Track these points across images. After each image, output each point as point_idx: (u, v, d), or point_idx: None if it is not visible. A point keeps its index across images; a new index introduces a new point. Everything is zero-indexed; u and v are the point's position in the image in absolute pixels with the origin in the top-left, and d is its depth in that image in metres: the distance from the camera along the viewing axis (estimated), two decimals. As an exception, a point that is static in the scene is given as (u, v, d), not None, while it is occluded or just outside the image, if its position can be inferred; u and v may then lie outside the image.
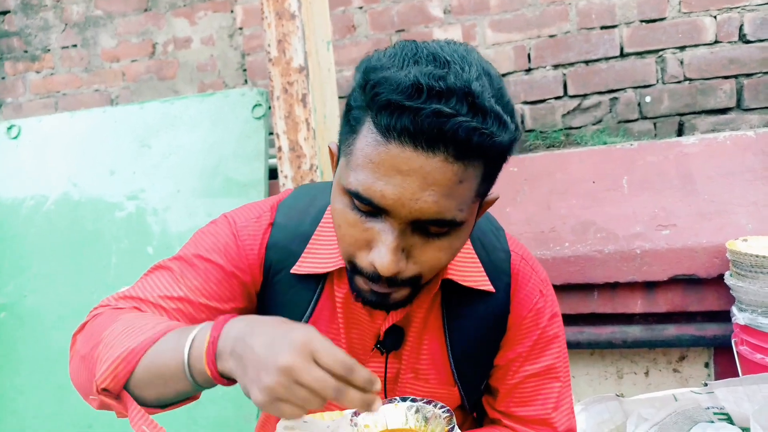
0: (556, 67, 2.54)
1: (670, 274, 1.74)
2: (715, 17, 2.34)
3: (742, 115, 2.37)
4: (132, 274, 2.08)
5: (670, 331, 1.79)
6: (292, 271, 0.87)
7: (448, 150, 0.63)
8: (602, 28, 2.47)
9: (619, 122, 2.50)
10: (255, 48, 2.87)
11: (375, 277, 0.71)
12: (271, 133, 2.04)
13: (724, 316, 1.69)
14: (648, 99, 2.45)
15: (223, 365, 0.63)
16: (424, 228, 0.69)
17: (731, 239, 1.65)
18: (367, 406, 0.59)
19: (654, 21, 2.41)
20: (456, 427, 0.70)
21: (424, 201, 0.65)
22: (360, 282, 0.74)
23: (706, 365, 1.86)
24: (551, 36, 2.52)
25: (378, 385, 0.60)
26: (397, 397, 0.75)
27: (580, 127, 2.54)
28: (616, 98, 2.49)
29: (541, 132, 2.57)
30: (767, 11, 2.29)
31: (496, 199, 0.80)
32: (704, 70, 2.37)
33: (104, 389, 0.70)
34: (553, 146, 2.50)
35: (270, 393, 0.57)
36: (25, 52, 3.26)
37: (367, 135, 0.66)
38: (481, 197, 0.73)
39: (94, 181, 2.22)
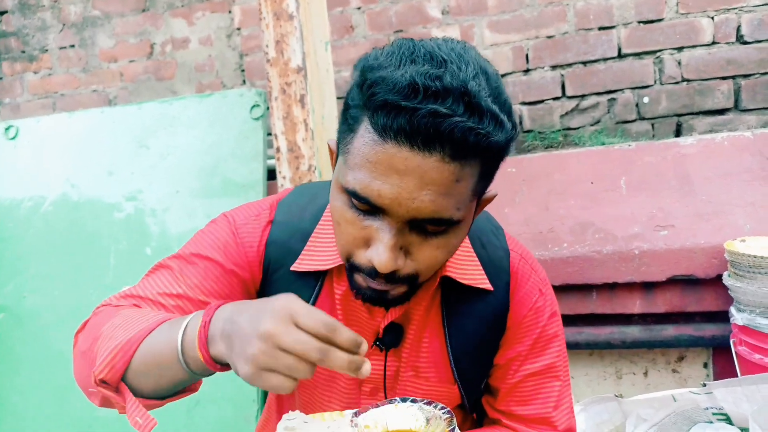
0: (554, 67, 2.54)
1: (668, 274, 1.74)
2: (712, 18, 2.35)
3: (739, 116, 2.37)
4: (131, 274, 2.08)
5: (669, 331, 1.80)
6: (292, 268, 0.87)
7: (445, 150, 0.64)
8: (600, 28, 2.47)
9: (617, 123, 2.50)
10: (253, 48, 2.87)
11: (373, 274, 0.71)
12: (269, 134, 2.04)
13: (723, 317, 1.69)
14: (646, 100, 2.45)
15: (214, 349, 0.63)
16: (421, 226, 0.69)
17: (729, 240, 1.66)
18: (356, 369, 0.59)
19: (652, 22, 2.41)
20: (456, 428, 0.69)
21: (420, 200, 0.65)
22: (359, 279, 0.75)
23: (705, 365, 1.86)
24: (549, 37, 2.53)
25: (365, 347, 0.60)
26: (398, 398, 0.75)
27: (578, 128, 2.55)
28: (614, 99, 2.49)
29: (539, 132, 2.57)
30: (765, 12, 2.29)
31: (494, 196, 0.80)
32: (702, 71, 2.38)
33: (103, 381, 0.71)
34: (552, 147, 2.50)
35: (254, 362, 0.57)
36: (23, 52, 3.25)
37: (365, 134, 0.67)
38: (479, 196, 0.74)
39: (93, 181, 2.22)
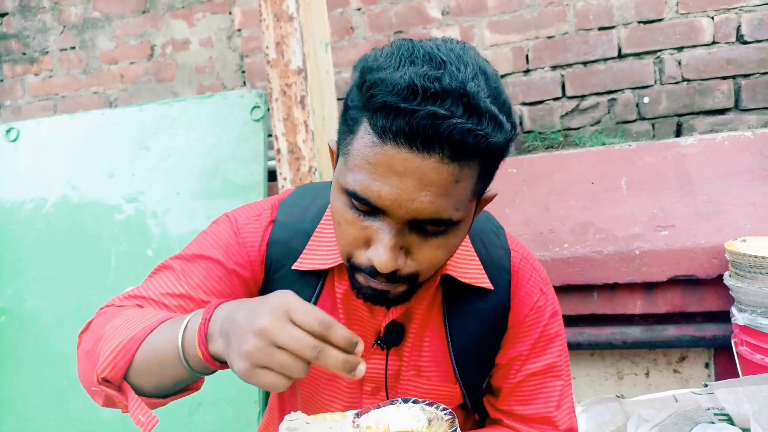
0: (554, 68, 2.54)
1: (669, 274, 1.74)
2: (712, 18, 2.35)
3: (740, 116, 2.37)
4: (131, 276, 2.08)
5: (670, 331, 1.79)
6: (293, 267, 0.88)
7: (444, 151, 0.64)
8: (600, 29, 2.47)
9: (618, 123, 2.50)
10: (253, 50, 2.87)
11: (373, 273, 0.72)
12: (269, 135, 2.04)
13: (724, 317, 1.69)
14: (646, 100, 2.45)
15: (213, 346, 0.64)
16: (421, 227, 0.70)
17: (730, 240, 1.65)
18: (350, 369, 0.59)
19: (652, 22, 2.41)
20: (458, 429, 0.70)
21: (420, 201, 0.66)
22: (360, 278, 0.75)
23: (707, 366, 1.86)
24: (549, 37, 2.53)
25: (361, 347, 0.60)
26: (399, 399, 0.75)
27: (578, 128, 2.55)
28: (614, 99, 2.49)
29: (539, 133, 2.58)
30: (765, 12, 2.29)
31: (494, 196, 0.81)
32: (702, 71, 2.38)
33: (105, 380, 0.71)
34: (552, 147, 2.50)
35: (249, 358, 0.57)
36: (24, 54, 3.26)
37: (364, 136, 0.67)
38: (478, 196, 0.74)
39: (93, 183, 2.22)
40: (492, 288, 0.89)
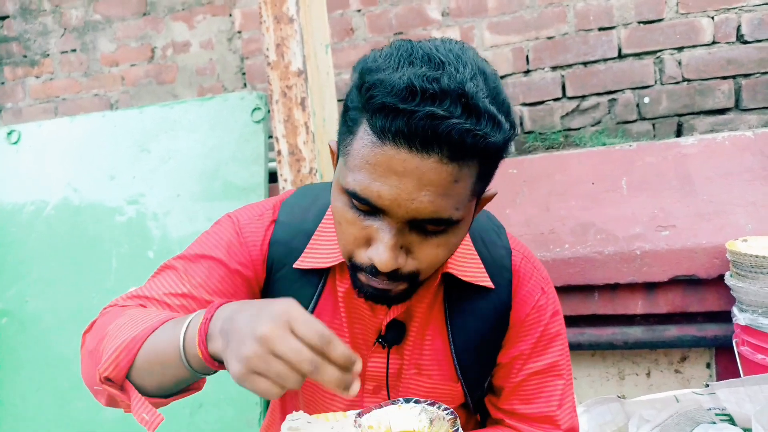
0: (554, 68, 2.54)
1: (670, 274, 1.74)
2: (712, 18, 2.35)
3: (740, 116, 2.37)
4: (132, 278, 2.09)
5: (671, 331, 1.79)
6: (294, 265, 0.88)
7: (443, 151, 0.64)
8: (600, 29, 2.47)
9: (618, 123, 2.50)
10: (254, 52, 2.87)
11: (374, 272, 0.72)
12: (270, 137, 2.04)
13: (725, 317, 1.69)
14: (646, 100, 2.45)
15: (212, 345, 0.64)
16: (421, 226, 0.70)
17: (731, 239, 1.65)
18: (345, 388, 0.59)
19: (652, 22, 2.41)
20: (460, 429, 0.70)
21: (419, 201, 0.66)
22: (361, 277, 0.75)
23: (708, 366, 1.86)
24: (549, 38, 2.53)
25: (359, 366, 0.60)
26: (401, 399, 0.75)
27: (578, 129, 2.55)
28: (614, 99, 2.49)
29: (539, 133, 2.58)
30: (765, 12, 2.30)
31: (494, 195, 0.81)
32: (702, 71, 2.38)
33: (107, 379, 0.71)
34: (552, 148, 2.50)
35: (246, 363, 0.57)
36: (25, 57, 3.26)
37: (364, 136, 0.67)
38: (478, 195, 0.74)
39: (94, 185, 2.22)
40: (493, 286, 0.89)
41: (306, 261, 0.88)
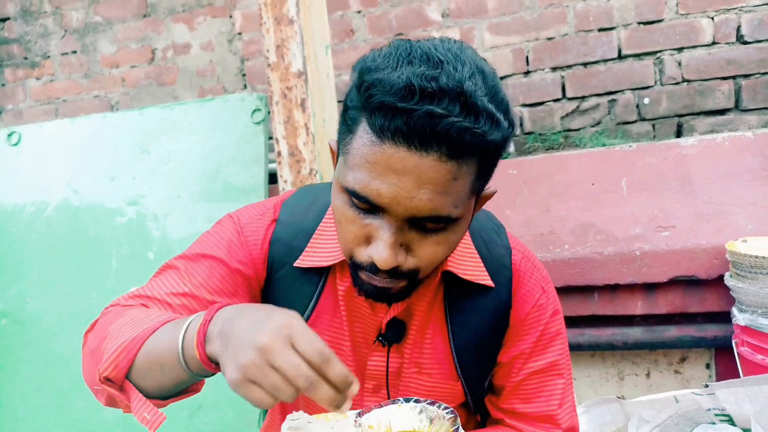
0: (554, 69, 2.54)
1: (670, 275, 1.74)
2: (712, 18, 2.35)
3: (740, 116, 2.37)
4: (132, 279, 2.09)
5: (671, 332, 1.79)
6: (295, 264, 0.89)
7: (441, 149, 0.64)
8: (600, 30, 2.47)
9: (618, 124, 2.50)
10: (254, 53, 2.87)
11: (375, 270, 0.72)
12: (270, 138, 2.05)
13: (725, 317, 1.69)
14: (646, 100, 2.45)
15: (210, 347, 0.64)
16: (420, 224, 0.70)
17: (731, 240, 1.65)
18: (336, 407, 0.59)
19: (651, 23, 2.41)
20: (460, 428, 0.70)
21: (419, 199, 0.66)
22: (363, 276, 0.76)
23: (707, 366, 1.86)
24: (549, 38, 2.53)
25: (355, 388, 0.60)
26: (401, 398, 0.75)
27: (578, 129, 2.55)
28: (614, 100, 2.49)
29: (539, 134, 2.58)
30: (764, 12, 2.30)
31: (494, 193, 0.81)
32: (702, 72, 2.38)
33: (107, 378, 0.71)
34: (552, 148, 2.50)
35: (243, 371, 0.57)
36: (25, 58, 3.27)
37: (363, 135, 0.68)
38: (477, 193, 0.75)
39: (94, 186, 2.23)
40: (492, 285, 0.90)
41: (306, 260, 0.89)
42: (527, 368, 0.92)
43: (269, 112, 2.02)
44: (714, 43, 2.36)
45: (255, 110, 2.09)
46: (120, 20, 3.08)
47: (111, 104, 3.15)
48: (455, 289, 0.90)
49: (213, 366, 0.66)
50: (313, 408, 0.96)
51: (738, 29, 2.33)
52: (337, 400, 0.59)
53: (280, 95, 1.80)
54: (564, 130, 2.56)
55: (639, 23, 2.42)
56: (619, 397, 1.38)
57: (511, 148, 2.60)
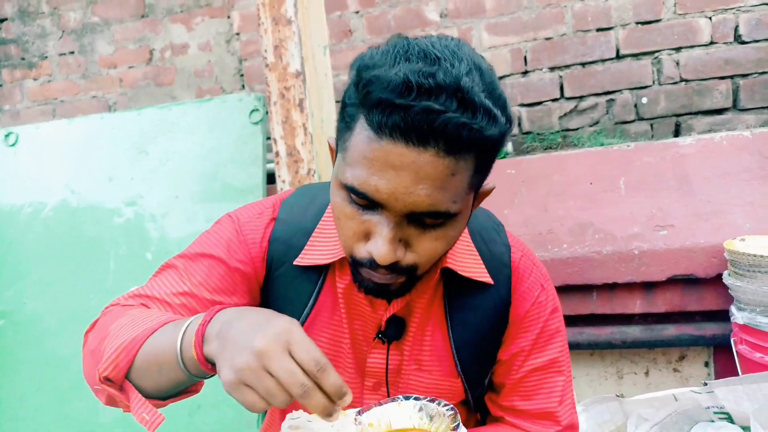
0: (552, 69, 2.55)
1: (668, 274, 1.74)
2: (710, 18, 2.36)
3: (738, 116, 2.37)
4: (131, 279, 2.09)
5: (670, 331, 1.79)
6: (295, 262, 0.89)
7: (439, 145, 0.65)
8: (598, 30, 2.48)
9: (616, 123, 2.51)
10: (252, 53, 2.87)
11: (374, 266, 0.73)
12: (268, 138, 2.05)
13: (723, 316, 1.69)
14: (644, 100, 2.46)
15: (207, 347, 0.64)
16: (419, 220, 0.71)
17: (729, 239, 1.66)
18: (327, 414, 0.60)
19: (649, 23, 2.42)
20: (461, 425, 0.70)
21: (417, 194, 0.67)
22: (363, 272, 0.76)
23: (706, 365, 1.86)
24: (547, 38, 2.53)
25: (348, 399, 0.60)
26: (401, 396, 0.75)
27: (576, 129, 2.55)
28: (612, 100, 2.49)
29: (538, 134, 2.58)
30: (762, 12, 2.30)
31: (492, 189, 0.82)
32: (700, 71, 2.38)
33: (107, 378, 0.72)
34: (550, 148, 2.50)
35: (238, 374, 0.58)
36: (23, 59, 3.26)
37: (361, 132, 0.68)
38: (475, 189, 0.75)
39: (92, 187, 2.22)
40: (492, 282, 0.90)
41: (306, 258, 0.89)
42: (527, 365, 0.92)
43: (267, 113, 2.02)
44: (712, 42, 2.36)
45: (253, 110, 2.09)
46: (118, 21, 3.08)
47: (109, 105, 3.15)
48: (455, 286, 0.90)
49: (210, 367, 0.66)
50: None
51: (736, 29, 2.33)
52: (329, 409, 0.59)
53: (278, 95, 1.80)
54: (562, 130, 2.56)
55: (637, 23, 2.43)
56: (618, 396, 1.38)
57: (510, 147, 2.60)
